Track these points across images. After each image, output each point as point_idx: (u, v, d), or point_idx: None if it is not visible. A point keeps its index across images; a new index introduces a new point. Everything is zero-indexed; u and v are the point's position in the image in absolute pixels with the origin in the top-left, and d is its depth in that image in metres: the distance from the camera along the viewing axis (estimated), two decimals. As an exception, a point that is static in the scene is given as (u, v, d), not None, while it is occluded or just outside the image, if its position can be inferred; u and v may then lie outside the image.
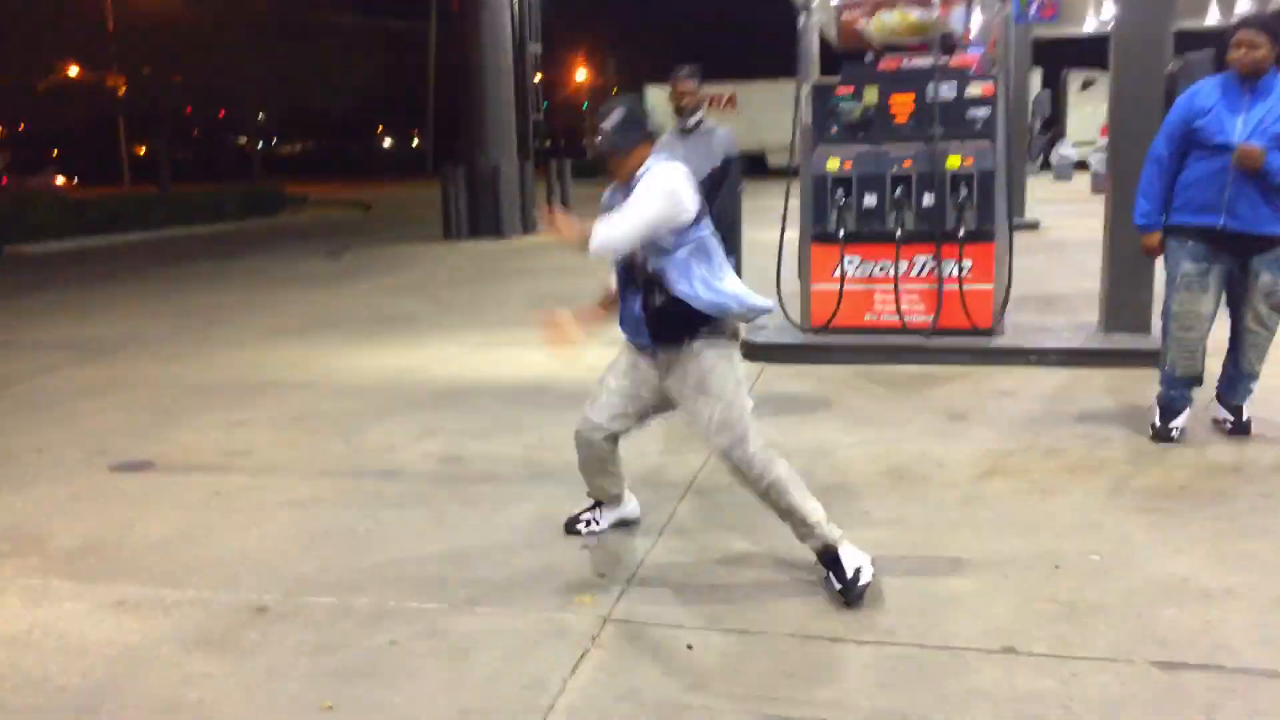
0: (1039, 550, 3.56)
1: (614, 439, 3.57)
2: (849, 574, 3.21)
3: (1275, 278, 4.47)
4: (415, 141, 57.49)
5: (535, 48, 18.05)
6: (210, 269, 13.33)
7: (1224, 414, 4.79)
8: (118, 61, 27.25)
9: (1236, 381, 4.73)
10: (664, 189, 3.16)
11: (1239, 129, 4.31)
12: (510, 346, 7.40)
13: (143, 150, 47.74)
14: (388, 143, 67.28)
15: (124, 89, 29.15)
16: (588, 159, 40.06)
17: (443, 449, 4.96)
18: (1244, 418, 4.73)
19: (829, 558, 3.27)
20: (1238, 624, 2.99)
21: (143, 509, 4.24)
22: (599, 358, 6.70)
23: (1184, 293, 4.56)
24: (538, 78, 19.08)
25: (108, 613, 3.29)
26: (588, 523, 3.81)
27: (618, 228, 3.13)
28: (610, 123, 3.25)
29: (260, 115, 43.01)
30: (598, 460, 3.61)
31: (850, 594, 3.18)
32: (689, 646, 2.97)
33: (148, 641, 3.09)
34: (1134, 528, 3.76)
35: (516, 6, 17.03)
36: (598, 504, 3.82)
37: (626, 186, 3.28)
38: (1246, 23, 4.35)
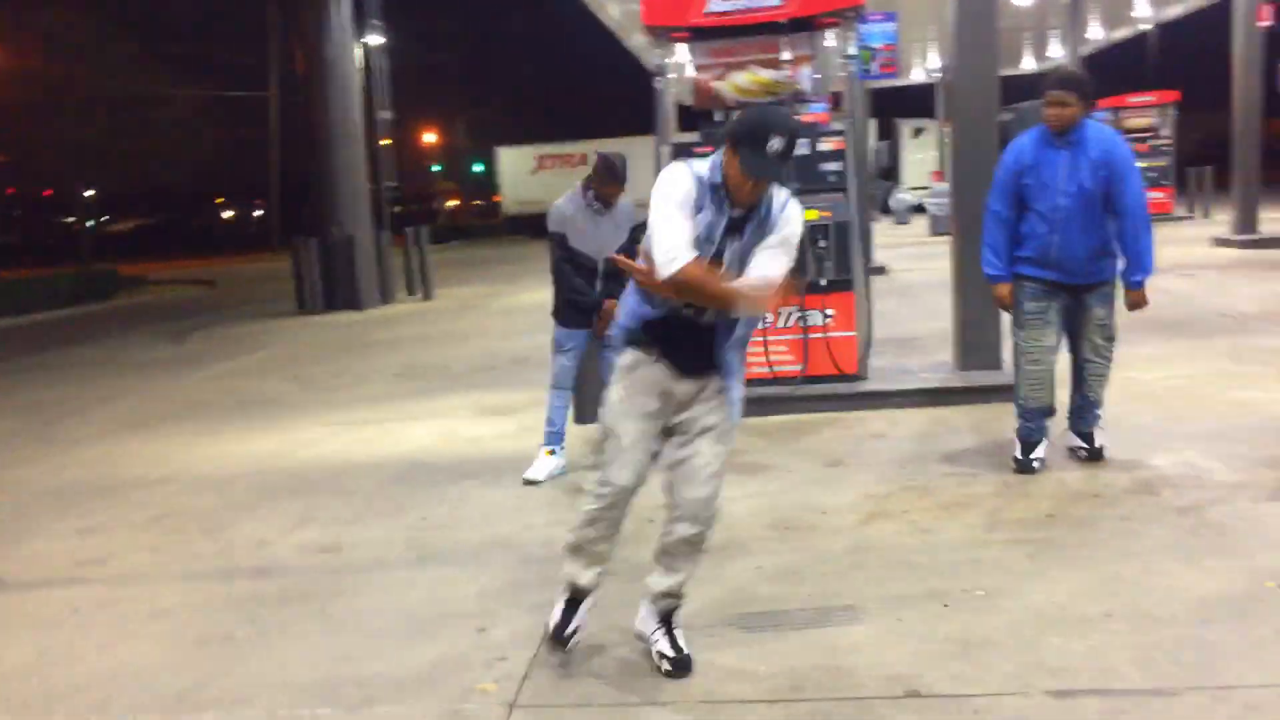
0: (927, 590, 3.66)
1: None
2: (682, 644, 3.21)
3: (1106, 311, 4.82)
4: (259, 213, 55.87)
5: (386, 114, 17.91)
6: (46, 360, 12.53)
7: (1077, 442, 5.06)
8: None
9: (1084, 410, 5.02)
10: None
11: (1061, 175, 4.64)
12: (381, 423, 7.20)
13: (-41, 237, 44.87)
14: (229, 215, 65.19)
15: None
16: (438, 223, 39.62)
17: (320, 538, 4.76)
18: (1096, 444, 5.02)
19: (671, 624, 3.26)
20: (1119, 646, 3.14)
21: (-8, 633, 3.90)
22: (476, 430, 6.65)
23: (1028, 330, 4.86)
24: (388, 143, 18.94)
25: (-39, 756, 3.00)
26: (575, 630, 3.28)
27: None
28: (786, 146, 2.85)
29: (89, 192, 41.12)
30: (616, 525, 3.20)
31: (686, 666, 3.16)
32: (600, 726, 2.91)
33: (10, 784, 2.83)
34: (1011, 560, 3.91)
35: (365, 74, 16.89)
36: (574, 601, 3.28)
37: (750, 208, 2.98)
38: (1056, 82, 4.67)
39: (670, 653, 3.18)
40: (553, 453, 5.41)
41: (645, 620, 3.29)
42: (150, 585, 4.33)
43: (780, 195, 3.05)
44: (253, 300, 18.78)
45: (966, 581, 3.71)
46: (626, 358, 3.17)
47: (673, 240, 2.90)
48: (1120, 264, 4.78)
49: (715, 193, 2.97)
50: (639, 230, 5.34)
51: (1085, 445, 5.03)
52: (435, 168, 58.80)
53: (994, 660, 3.11)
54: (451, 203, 60.69)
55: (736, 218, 2.99)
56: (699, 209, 2.97)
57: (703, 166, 3.01)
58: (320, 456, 6.38)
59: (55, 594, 4.30)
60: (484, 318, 13.66)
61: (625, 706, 3.02)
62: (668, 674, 3.16)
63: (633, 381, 3.13)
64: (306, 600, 4.02)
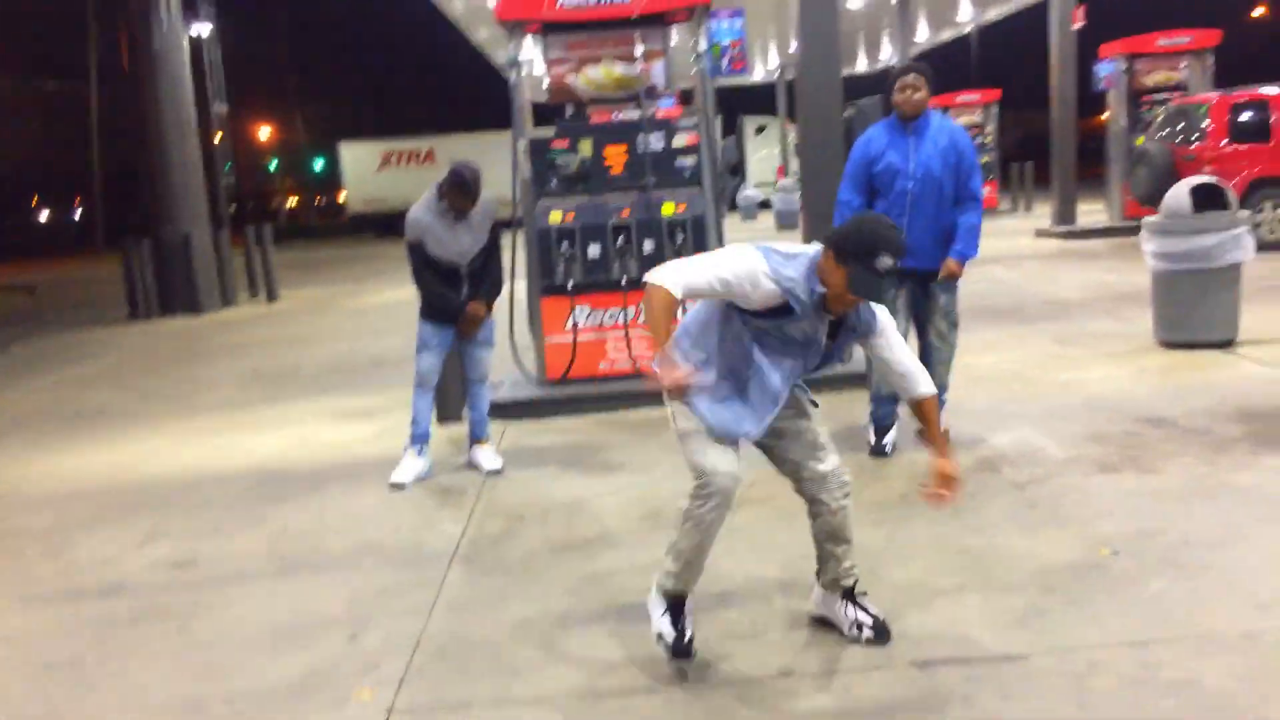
0: (795, 571, 3.78)
1: None
2: (874, 610, 3.28)
3: (950, 298, 5.09)
4: (79, 213, 52.40)
5: (220, 108, 17.13)
6: None
7: (925, 426, 5.31)
8: None
9: (930, 395, 5.28)
10: None
11: (910, 159, 4.87)
12: (230, 432, 6.91)
13: None
14: (45, 216, 60.91)
15: None
16: (278, 222, 38.11)
17: (173, 554, 4.54)
18: (942, 428, 5.27)
19: (855, 594, 3.32)
20: (974, 617, 3.34)
21: None
22: (334, 435, 6.46)
23: None
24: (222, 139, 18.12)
25: None
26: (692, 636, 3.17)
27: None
28: (895, 264, 2.89)
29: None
30: (719, 524, 3.15)
31: (885, 631, 3.23)
32: (483, 726, 2.90)
33: None
34: (869, 539, 4.08)
35: (197, 65, 16.09)
36: (677, 606, 3.18)
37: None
38: (907, 69, 4.93)
39: (869, 620, 3.24)
40: (419, 453, 5.33)
41: (825, 602, 3.34)
42: (-14, 612, 4.04)
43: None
44: (79, 305, 17.64)
45: (830, 562, 3.85)
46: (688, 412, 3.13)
47: (682, 274, 2.88)
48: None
49: (811, 301, 2.89)
50: (497, 229, 5.32)
51: (931, 429, 5.28)
52: (272, 164, 56.57)
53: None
54: (290, 200, 58.58)
55: (834, 322, 3.00)
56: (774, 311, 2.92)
57: (792, 272, 2.87)
58: (166, 469, 6.08)
59: (-125, 628, 3.96)
60: (334, 319, 13.26)
61: (506, 704, 3.01)
62: (869, 641, 3.20)
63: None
64: (162, 618, 3.83)
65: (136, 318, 14.62)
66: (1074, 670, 2.95)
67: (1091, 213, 17.12)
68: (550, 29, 6.74)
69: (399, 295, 5.18)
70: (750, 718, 2.84)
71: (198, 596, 4.03)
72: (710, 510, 3.06)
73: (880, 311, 3.08)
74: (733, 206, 28.39)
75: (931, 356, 5.17)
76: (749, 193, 27.30)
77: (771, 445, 3.25)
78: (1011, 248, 14.62)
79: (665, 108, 7.06)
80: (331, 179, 43.73)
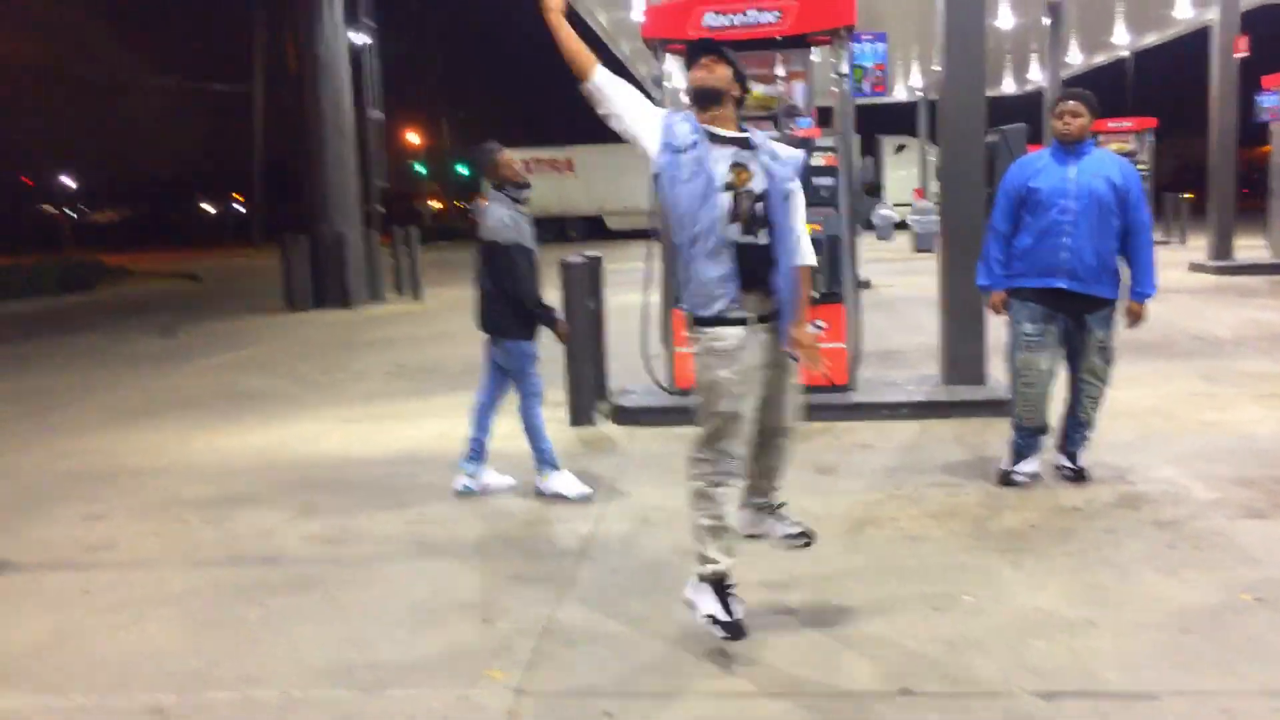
0: (917, 594, 3.80)
1: None
2: (796, 518, 3.78)
3: (1106, 334, 4.91)
4: (242, 208, 55.50)
5: (376, 114, 17.94)
6: (35, 350, 12.49)
7: (1064, 461, 5.14)
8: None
9: (1073, 431, 5.11)
10: None
11: (1071, 180, 4.76)
12: (376, 420, 7.29)
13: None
14: (209, 209, 64.66)
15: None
16: (423, 224, 39.41)
17: (324, 530, 4.85)
18: (1079, 464, 5.12)
19: (779, 512, 3.81)
20: (1101, 651, 3.29)
21: (7, 613, 3.97)
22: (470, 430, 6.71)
23: (1026, 352, 4.92)
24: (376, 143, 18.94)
25: (-16, 729, 3.08)
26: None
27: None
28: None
29: (71, 182, 40.74)
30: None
31: (811, 533, 3.75)
32: (607, 715, 3.03)
33: (36, 756, 2.92)
34: (997, 567, 4.07)
35: (355, 72, 16.93)
36: (722, 586, 3.46)
37: None
38: (1069, 95, 4.86)
39: (795, 529, 3.76)
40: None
41: (754, 521, 3.79)
42: (158, 570, 4.41)
43: None
44: (240, 295, 18.75)
45: (954, 587, 3.86)
46: (726, 339, 3.37)
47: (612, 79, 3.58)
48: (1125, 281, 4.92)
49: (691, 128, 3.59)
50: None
51: (1070, 465, 5.11)
52: (419, 168, 58.56)
53: (980, 662, 3.25)
54: (435, 204, 60.49)
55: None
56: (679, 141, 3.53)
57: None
58: (317, 452, 6.46)
59: (64, 577, 4.37)
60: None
61: (629, 695, 3.14)
62: (804, 545, 3.75)
63: (743, 364, 3.39)
64: (313, 588, 4.11)
65: (293, 309, 15.47)
66: (1206, 715, 2.89)
67: (1251, 248, 16.27)
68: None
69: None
70: (868, 731, 2.88)
71: (345, 571, 4.31)
72: (730, 480, 3.50)
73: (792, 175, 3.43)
74: (869, 226, 27.98)
75: (1081, 392, 5.01)
76: (885, 212, 26.84)
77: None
78: (1163, 280, 13.92)
79: (804, 128, 7.08)
80: (475, 184, 44.96)
